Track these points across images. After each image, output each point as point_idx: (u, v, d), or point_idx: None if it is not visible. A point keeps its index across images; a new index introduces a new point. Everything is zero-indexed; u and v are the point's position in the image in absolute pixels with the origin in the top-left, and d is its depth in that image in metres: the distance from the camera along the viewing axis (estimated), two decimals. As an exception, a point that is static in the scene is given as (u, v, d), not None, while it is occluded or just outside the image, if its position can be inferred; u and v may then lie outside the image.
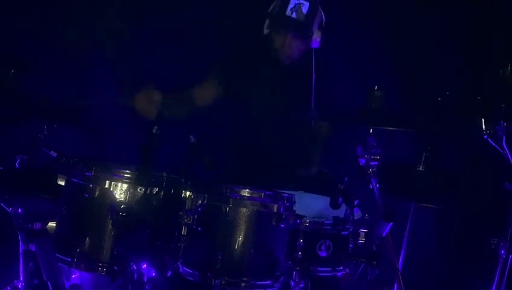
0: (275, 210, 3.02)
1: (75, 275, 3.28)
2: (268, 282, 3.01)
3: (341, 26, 4.49)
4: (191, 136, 3.10)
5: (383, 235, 3.13)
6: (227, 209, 2.98)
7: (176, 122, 4.15)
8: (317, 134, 3.94)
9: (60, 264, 3.04)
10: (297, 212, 3.09)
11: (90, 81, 4.49)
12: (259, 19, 3.88)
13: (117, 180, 3.03)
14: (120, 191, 3.02)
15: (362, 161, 3.22)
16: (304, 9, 3.72)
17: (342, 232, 3.15)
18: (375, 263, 3.09)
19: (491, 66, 3.98)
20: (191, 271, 3.02)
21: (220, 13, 4.52)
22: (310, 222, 3.08)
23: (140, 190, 2.99)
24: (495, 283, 3.32)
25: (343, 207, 3.11)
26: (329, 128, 4.00)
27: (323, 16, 3.83)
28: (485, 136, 3.29)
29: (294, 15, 3.72)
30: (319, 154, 4.01)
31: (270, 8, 3.83)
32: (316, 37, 3.80)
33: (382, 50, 4.56)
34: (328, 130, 4.00)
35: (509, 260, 3.30)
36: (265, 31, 3.85)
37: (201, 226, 3.01)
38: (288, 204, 3.06)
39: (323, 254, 3.09)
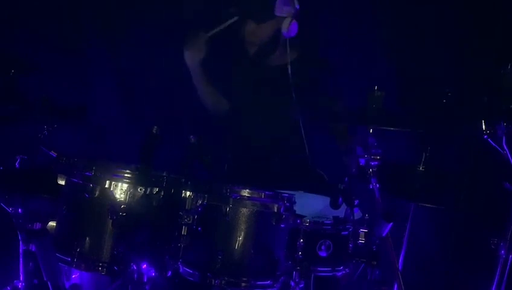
0: (275, 210, 3.02)
1: (75, 275, 3.29)
2: (269, 282, 3.01)
3: (341, 26, 4.49)
4: (191, 136, 3.10)
5: (383, 235, 3.13)
6: (227, 209, 2.98)
7: (176, 122, 4.17)
8: (335, 136, 3.88)
9: (60, 264, 3.04)
10: (297, 212, 3.09)
11: (91, 81, 4.50)
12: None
13: (117, 180, 3.03)
14: (120, 191, 3.02)
15: (362, 161, 3.22)
16: None
17: (342, 232, 3.14)
18: (375, 263, 3.08)
19: (492, 66, 3.97)
20: (191, 271, 3.02)
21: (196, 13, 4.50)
22: (310, 222, 3.08)
23: (140, 190, 3.00)
24: (495, 283, 3.32)
25: (343, 207, 3.11)
26: (346, 129, 3.93)
27: (296, 4, 3.76)
28: (485, 136, 3.29)
29: None
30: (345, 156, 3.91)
31: None
32: (287, 25, 3.74)
33: (382, 50, 4.56)
34: (345, 132, 3.92)
35: (509, 260, 3.29)
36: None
37: (201, 226, 3.01)
38: (288, 204, 3.06)
39: (323, 253, 3.09)
